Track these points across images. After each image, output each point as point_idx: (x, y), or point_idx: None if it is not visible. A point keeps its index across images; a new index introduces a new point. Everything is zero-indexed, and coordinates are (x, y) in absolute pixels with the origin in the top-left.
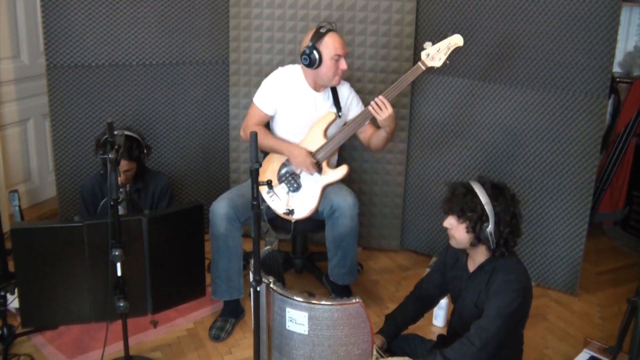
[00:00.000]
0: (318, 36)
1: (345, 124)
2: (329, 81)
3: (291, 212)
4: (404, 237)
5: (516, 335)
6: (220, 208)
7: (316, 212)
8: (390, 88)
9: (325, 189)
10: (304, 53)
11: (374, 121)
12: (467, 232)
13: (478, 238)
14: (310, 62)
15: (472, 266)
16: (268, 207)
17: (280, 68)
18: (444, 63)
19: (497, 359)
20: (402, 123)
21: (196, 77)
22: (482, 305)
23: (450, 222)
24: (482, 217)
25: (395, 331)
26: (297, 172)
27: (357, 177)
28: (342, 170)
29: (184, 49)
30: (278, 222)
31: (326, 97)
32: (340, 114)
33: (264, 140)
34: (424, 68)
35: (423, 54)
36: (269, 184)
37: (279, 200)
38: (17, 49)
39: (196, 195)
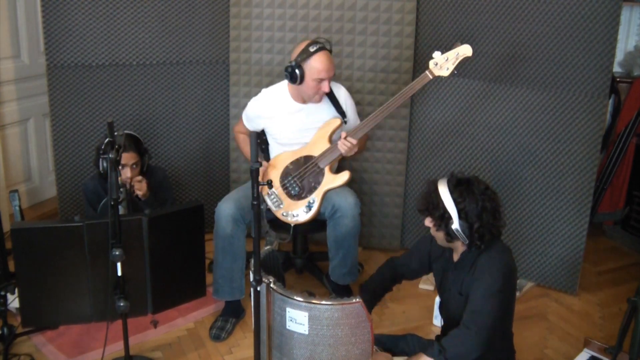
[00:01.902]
0: (306, 54)
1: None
2: (309, 99)
3: (292, 216)
4: (405, 237)
5: (504, 327)
6: (227, 209)
7: (317, 215)
8: (396, 96)
9: (327, 193)
10: (286, 68)
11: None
12: (437, 230)
13: (448, 234)
14: (292, 78)
15: (456, 257)
16: (268, 209)
17: (264, 90)
18: (452, 73)
19: (488, 354)
20: (402, 123)
21: (196, 77)
22: (466, 292)
23: (428, 221)
24: (445, 215)
25: (372, 302)
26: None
27: (357, 176)
28: (344, 176)
29: (184, 48)
30: (279, 224)
31: (323, 102)
32: (345, 119)
33: (245, 148)
34: (431, 77)
35: (431, 63)
36: (269, 183)
37: (280, 203)
38: (18, 48)
39: (196, 195)
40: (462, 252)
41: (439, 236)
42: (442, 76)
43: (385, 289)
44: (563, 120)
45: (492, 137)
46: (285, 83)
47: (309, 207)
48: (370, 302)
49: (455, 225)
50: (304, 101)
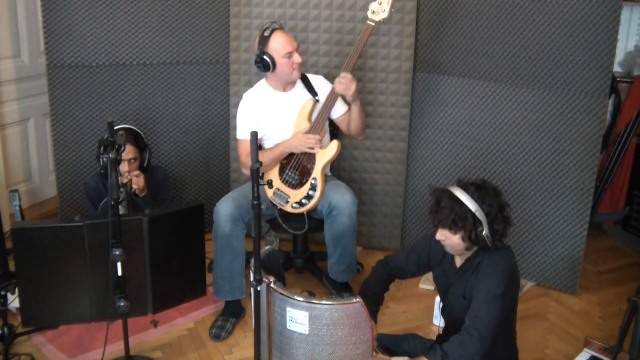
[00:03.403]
0: (264, 40)
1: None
2: (289, 78)
3: (301, 204)
4: (405, 237)
5: (507, 326)
6: (225, 208)
7: (323, 193)
8: (350, 55)
9: (325, 175)
10: (255, 62)
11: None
12: (463, 240)
13: (475, 242)
14: (264, 67)
15: (459, 262)
16: (267, 208)
17: (244, 95)
18: (390, 12)
19: (490, 355)
20: (402, 123)
21: (197, 77)
22: (469, 295)
23: (444, 234)
24: (475, 224)
25: (375, 310)
26: (314, 151)
27: (357, 176)
28: (333, 146)
29: (184, 48)
30: (293, 217)
31: (299, 91)
32: (317, 98)
33: (265, 159)
34: (373, 24)
35: (369, 13)
36: (269, 183)
37: (286, 197)
38: (18, 48)
39: (196, 194)
40: (468, 257)
41: (462, 245)
42: (384, 19)
43: (384, 291)
44: (563, 120)
45: (492, 137)
46: (261, 81)
47: (313, 188)
48: (374, 309)
49: (486, 230)
50: (284, 88)
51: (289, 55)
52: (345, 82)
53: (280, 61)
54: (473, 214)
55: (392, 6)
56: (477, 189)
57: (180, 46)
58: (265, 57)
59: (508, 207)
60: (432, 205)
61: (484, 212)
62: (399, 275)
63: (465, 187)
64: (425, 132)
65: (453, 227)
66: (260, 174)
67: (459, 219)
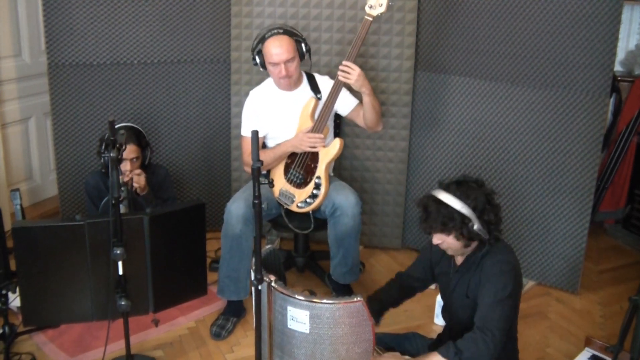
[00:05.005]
0: (260, 40)
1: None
2: (279, 85)
3: (306, 203)
4: (406, 236)
5: (510, 328)
6: (238, 209)
7: (327, 191)
8: (349, 51)
9: (329, 172)
10: (252, 57)
11: (353, 92)
12: (458, 239)
13: (470, 239)
14: (257, 65)
15: (460, 260)
16: (272, 208)
17: (250, 92)
18: (388, 5)
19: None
20: (403, 122)
21: (197, 76)
22: (473, 294)
23: (438, 237)
24: (464, 221)
25: (380, 310)
26: (316, 150)
27: (358, 175)
28: (336, 144)
29: (185, 47)
30: (299, 217)
31: (304, 91)
32: (319, 95)
33: (266, 158)
34: (371, 19)
35: (366, 8)
36: (270, 183)
37: (292, 197)
38: (19, 47)
39: (197, 193)
40: (467, 255)
41: (459, 244)
42: (382, 13)
43: (393, 300)
44: (564, 119)
45: (493, 136)
46: (269, 80)
47: (317, 186)
48: (378, 312)
49: (477, 225)
50: (291, 88)
51: (275, 65)
52: (347, 69)
53: (269, 67)
54: (459, 212)
55: (389, 0)
56: (458, 186)
57: (181, 45)
58: (257, 57)
59: (495, 195)
60: (420, 215)
61: (470, 207)
62: (410, 284)
63: (446, 188)
64: (426, 131)
65: (444, 229)
66: (266, 174)
67: (447, 219)
